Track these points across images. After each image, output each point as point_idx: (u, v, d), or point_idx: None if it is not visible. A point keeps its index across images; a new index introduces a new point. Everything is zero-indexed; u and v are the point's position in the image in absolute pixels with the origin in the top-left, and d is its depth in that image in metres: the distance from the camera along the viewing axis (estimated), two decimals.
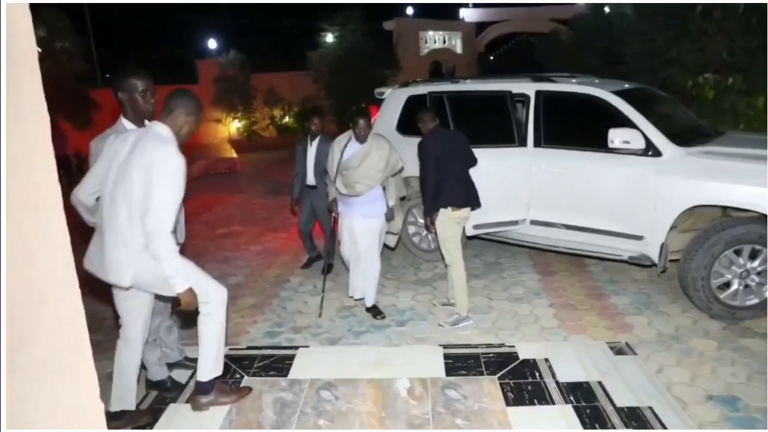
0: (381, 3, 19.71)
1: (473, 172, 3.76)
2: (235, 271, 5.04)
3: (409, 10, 25.60)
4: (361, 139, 3.78)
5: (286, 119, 17.97)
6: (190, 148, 2.79)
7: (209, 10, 21.71)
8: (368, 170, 3.74)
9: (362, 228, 3.83)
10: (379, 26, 21.21)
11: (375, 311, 3.92)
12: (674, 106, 4.67)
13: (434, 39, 25.48)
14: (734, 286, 3.48)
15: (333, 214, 4.09)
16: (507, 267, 4.79)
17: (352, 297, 4.06)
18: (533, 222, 4.28)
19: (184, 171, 2.14)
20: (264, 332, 3.69)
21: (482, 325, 3.65)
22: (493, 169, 4.17)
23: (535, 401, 2.33)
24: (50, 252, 1.08)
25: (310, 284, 4.63)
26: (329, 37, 17.18)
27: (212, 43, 20.08)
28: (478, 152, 3.82)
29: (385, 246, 4.21)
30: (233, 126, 17.69)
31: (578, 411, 2.24)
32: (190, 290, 2.17)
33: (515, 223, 4.35)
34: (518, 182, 4.26)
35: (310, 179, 4.57)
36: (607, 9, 14.07)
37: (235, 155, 13.38)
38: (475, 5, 26.73)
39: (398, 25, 22.82)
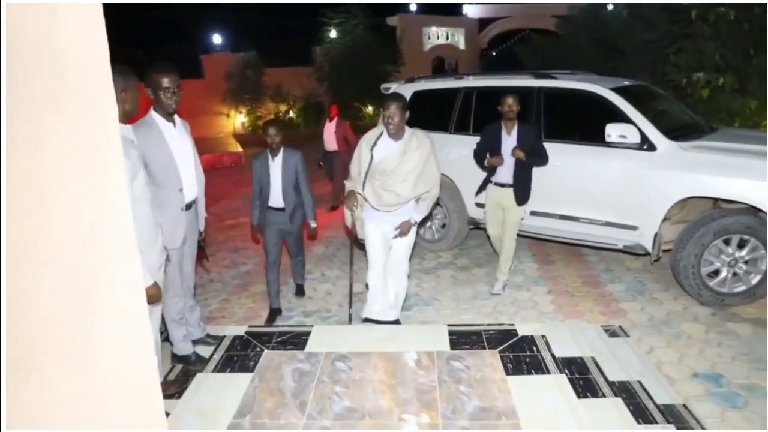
0: (384, 2, 19.83)
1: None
2: (245, 260, 5.25)
3: (413, 7, 25.74)
4: (395, 134, 3.19)
5: (291, 114, 18.17)
6: (197, 142, 2.96)
7: (213, 8, 21.87)
8: (406, 175, 3.17)
9: (397, 240, 3.38)
10: (383, 22, 21.35)
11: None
12: (670, 102, 4.87)
13: (437, 35, 25.64)
14: (723, 274, 3.67)
15: (350, 213, 3.51)
16: None
17: (366, 318, 3.59)
18: (533, 213, 4.49)
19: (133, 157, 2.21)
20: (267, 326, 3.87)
21: (483, 310, 3.85)
22: None
23: (533, 371, 2.53)
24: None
25: (318, 272, 4.83)
26: (333, 33, 17.36)
27: (217, 38, 20.30)
28: None
29: None
30: (238, 121, 17.90)
31: (572, 381, 2.45)
32: (155, 285, 2.27)
33: None
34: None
35: (276, 200, 3.78)
36: (610, 6, 14.23)
37: (240, 149, 13.59)
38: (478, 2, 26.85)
39: (402, 21, 22.99)
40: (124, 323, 1.30)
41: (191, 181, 2.84)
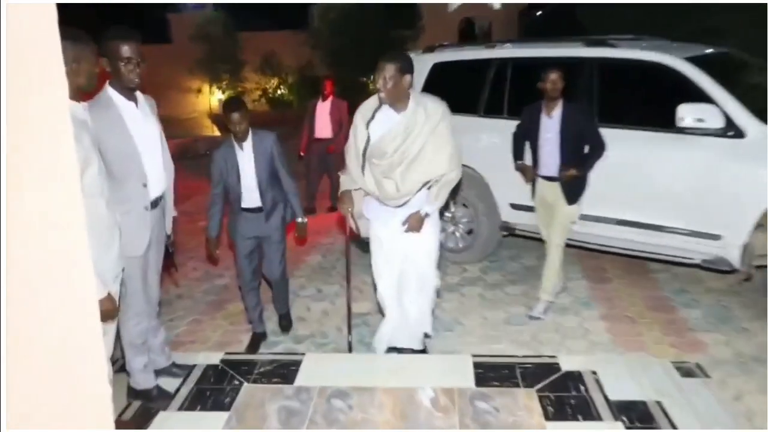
0: None
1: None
2: (222, 271, 5.32)
3: None
4: (394, 104, 3.07)
5: (281, 90, 18.36)
6: (163, 124, 3.01)
7: None
8: (411, 158, 3.06)
9: (410, 242, 3.30)
10: None
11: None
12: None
13: None
14: None
15: (349, 217, 3.43)
16: None
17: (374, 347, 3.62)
18: (583, 217, 4.49)
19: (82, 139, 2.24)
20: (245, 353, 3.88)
21: (519, 338, 3.87)
22: None
23: (579, 417, 2.56)
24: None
25: (313, 287, 4.89)
26: None
27: None
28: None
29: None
30: (215, 98, 18.13)
31: None
32: (110, 298, 2.31)
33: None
34: None
35: (251, 198, 3.65)
36: None
37: (217, 133, 13.77)
38: None
39: None
40: (69, 346, 1.36)
41: (157, 173, 2.91)
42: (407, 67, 3.03)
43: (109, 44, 2.64)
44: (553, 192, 3.98)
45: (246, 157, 3.59)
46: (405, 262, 3.34)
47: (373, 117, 3.14)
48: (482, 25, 25.90)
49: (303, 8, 18.09)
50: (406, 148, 3.02)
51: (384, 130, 3.08)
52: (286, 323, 4.14)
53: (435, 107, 3.09)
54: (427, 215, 3.22)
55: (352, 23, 16.36)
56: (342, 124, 6.84)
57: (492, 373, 2.90)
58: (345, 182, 3.38)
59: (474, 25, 25.74)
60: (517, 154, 4.21)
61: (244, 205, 3.66)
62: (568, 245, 4.47)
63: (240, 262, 3.75)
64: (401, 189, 3.11)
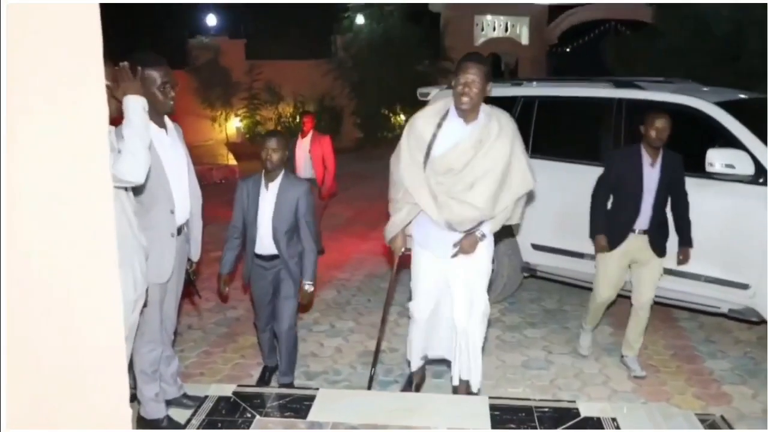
0: None
1: None
2: (235, 303, 5.44)
3: None
4: (468, 113, 2.90)
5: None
6: None
7: None
8: (483, 176, 2.90)
9: (462, 264, 3.14)
10: (424, 7, 22.03)
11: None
12: None
13: (493, 25, 26.25)
14: None
15: (399, 254, 3.41)
16: (572, 315, 5.06)
17: (409, 363, 3.66)
18: None
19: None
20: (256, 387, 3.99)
21: (537, 382, 3.93)
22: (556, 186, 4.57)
23: None
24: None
25: (327, 323, 4.99)
26: (360, 19, 18.00)
27: (211, 20, 21.20)
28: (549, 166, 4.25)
29: None
30: (232, 126, 18.54)
31: None
32: None
33: (579, 255, 4.65)
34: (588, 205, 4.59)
35: (266, 245, 3.53)
36: None
37: (233, 162, 14.07)
38: None
39: (447, 7, 23.65)
40: (95, 368, 1.47)
41: (184, 200, 3.04)
42: (490, 74, 2.93)
43: (143, 72, 2.74)
44: (640, 246, 3.86)
45: (268, 200, 3.48)
46: (455, 295, 3.18)
47: (439, 125, 2.96)
48: (509, 61, 26.35)
49: (326, 38, 18.58)
50: (477, 164, 2.86)
51: (451, 143, 2.91)
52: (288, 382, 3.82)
53: (508, 121, 3.00)
54: (483, 236, 3.10)
55: (376, 56, 16.72)
56: (326, 164, 6.62)
57: (508, 416, 2.97)
58: (396, 221, 3.23)
59: (501, 61, 26.20)
60: (600, 222, 3.95)
61: (257, 250, 3.55)
62: (587, 288, 4.54)
63: (256, 306, 3.72)
64: (473, 213, 2.94)
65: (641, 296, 3.94)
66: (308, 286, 3.56)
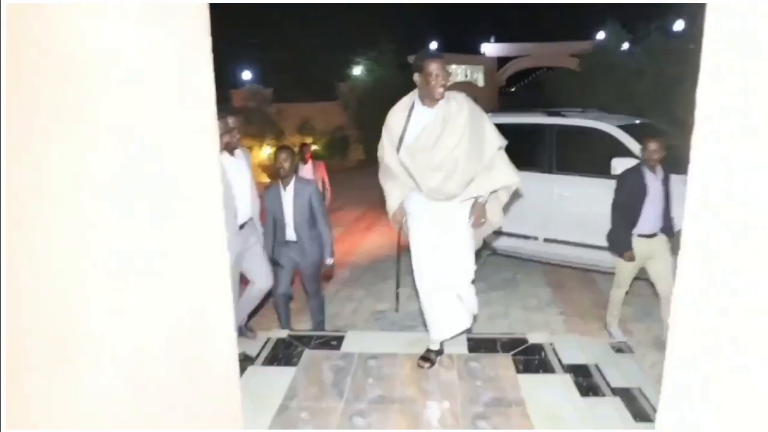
0: (410, 38, 20.84)
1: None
2: None
3: (433, 45, 26.78)
4: (432, 100, 2.70)
5: (315, 147, 18.98)
6: None
7: (246, 45, 23.16)
8: (452, 148, 2.66)
9: (449, 232, 2.83)
10: (405, 60, 22.29)
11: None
12: (677, 140, 5.26)
13: (457, 72, 26.57)
14: None
15: (399, 227, 3.08)
16: (522, 281, 5.30)
17: (430, 350, 3.04)
18: (546, 240, 4.87)
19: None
20: (309, 329, 4.28)
21: (499, 328, 4.20)
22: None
23: (540, 371, 2.88)
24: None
25: (345, 293, 5.22)
26: (357, 70, 18.27)
27: (246, 75, 21.43)
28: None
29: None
30: (264, 152, 18.76)
31: (576, 382, 2.79)
32: None
33: (532, 237, 4.95)
34: (536, 203, 4.88)
35: (289, 233, 3.57)
36: (626, 45, 14.80)
37: (266, 179, 14.27)
38: (496, 40, 27.83)
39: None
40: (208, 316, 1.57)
41: (245, 206, 3.24)
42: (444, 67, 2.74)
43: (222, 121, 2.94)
44: (650, 247, 3.60)
45: (288, 198, 3.51)
46: (443, 258, 2.86)
47: (409, 116, 2.78)
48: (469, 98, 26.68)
49: (332, 84, 18.81)
50: (445, 137, 2.66)
51: (421, 127, 2.73)
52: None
53: (464, 98, 2.80)
54: (485, 203, 2.90)
55: (372, 97, 17.00)
56: (325, 183, 6.43)
57: (480, 345, 3.19)
58: (393, 194, 2.95)
59: None
60: (625, 239, 3.58)
61: (286, 238, 3.60)
62: (534, 261, 4.82)
63: (278, 275, 3.58)
64: (456, 186, 2.70)
65: (665, 286, 3.57)
66: (329, 261, 3.66)
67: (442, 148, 2.67)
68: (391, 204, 2.98)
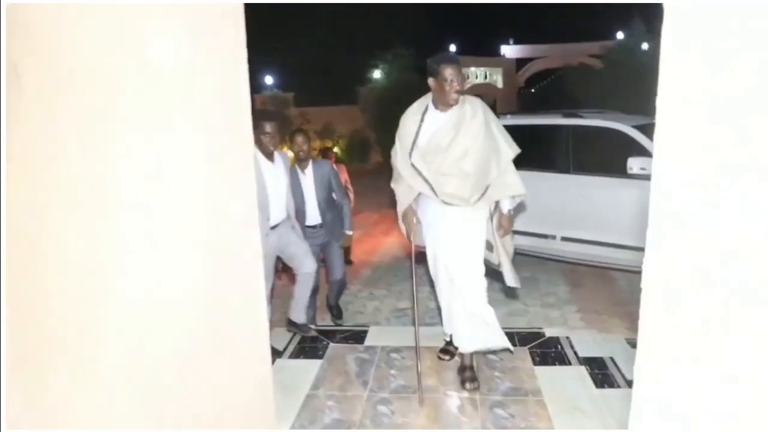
0: (429, 41, 20.98)
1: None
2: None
3: (452, 47, 26.86)
4: (446, 105, 2.65)
5: (335, 149, 19.25)
6: None
7: (268, 50, 23.58)
8: (465, 151, 2.60)
9: (463, 235, 2.74)
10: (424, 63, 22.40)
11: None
12: None
13: (476, 74, 26.58)
14: None
15: (415, 229, 2.89)
16: (541, 280, 5.36)
17: (449, 342, 3.09)
18: (563, 239, 4.95)
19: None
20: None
21: (518, 325, 4.28)
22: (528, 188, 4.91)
23: (556, 363, 2.99)
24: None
25: (367, 291, 5.35)
26: (377, 73, 18.46)
27: (269, 79, 21.81)
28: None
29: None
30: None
31: (591, 374, 2.89)
32: None
33: (552, 237, 5.03)
34: (554, 203, 4.95)
35: (313, 217, 3.55)
36: (645, 46, 14.67)
37: None
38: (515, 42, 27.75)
39: None
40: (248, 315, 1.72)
41: (278, 208, 3.30)
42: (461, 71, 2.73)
43: (258, 122, 2.92)
44: None
45: (308, 181, 3.54)
46: (454, 265, 2.76)
47: (422, 119, 2.74)
48: (488, 100, 26.65)
49: (353, 87, 19.03)
50: (458, 141, 2.61)
51: (434, 130, 2.69)
52: (336, 312, 4.11)
53: (479, 103, 2.75)
54: (509, 212, 2.83)
55: (392, 97, 17.14)
56: (348, 185, 6.31)
57: None
58: (403, 196, 2.87)
59: (483, 100, 26.48)
60: None
61: (308, 223, 3.57)
62: (555, 260, 4.89)
63: None
64: (464, 181, 2.63)
65: None
66: (348, 232, 3.78)
67: (455, 151, 2.62)
68: (401, 202, 2.88)
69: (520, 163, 4.71)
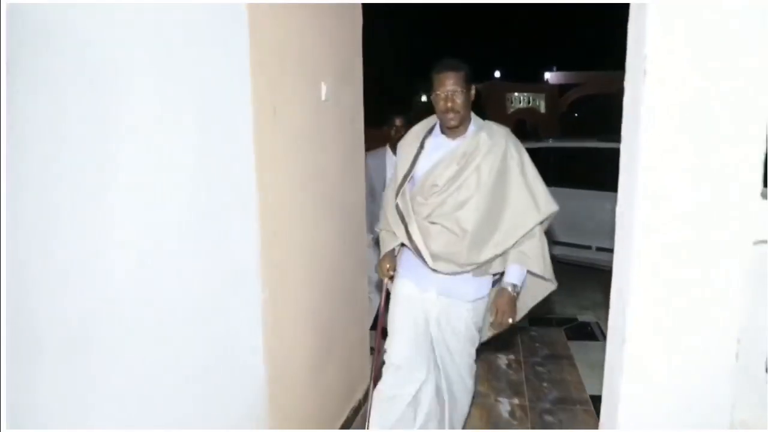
0: (474, 66, 21.66)
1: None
2: None
3: (497, 74, 27.62)
4: (456, 128, 1.92)
5: None
6: None
7: None
8: (469, 195, 1.83)
9: (442, 315, 1.95)
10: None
11: None
12: None
13: (519, 99, 27.18)
14: None
15: (385, 282, 2.10)
16: (578, 287, 5.84)
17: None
18: (598, 248, 5.52)
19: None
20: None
21: (554, 315, 4.85)
22: (564, 205, 5.46)
23: (587, 339, 3.64)
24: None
25: None
26: (423, 98, 19.30)
27: None
28: (560, 192, 5.13)
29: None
30: None
31: None
32: None
33: (587, 247, 5.61)
34: (591, 216, 5.52)
35: None
36: None
37: None
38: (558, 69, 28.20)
39: (486, 88, 24.82)
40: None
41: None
42: (471, 78, 1.93)
43: None
44: None
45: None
46: (436, 332, 1.98)
47: (422, 146, 1.99)
48: (532, 124, 27.05)
49: (391, 113, 19.65)
50: (463, 181, 1.85)
51: (434, 161, 1.94)
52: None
53: (504, 134, 1.94)
54: (515, 290, 1.91)
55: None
56: None
57: (538, 320, 3.98)
58: (386, 240, 2.08)
59: (526, 124, 26.94)
60: None
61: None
62: (591, 268, 5.41)
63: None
64: (456, 243, 1.84)
65: None
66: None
67: (452, 195, 1.86)
68: (382, 249, 2.13)
69: (561, 181, 5.38)
